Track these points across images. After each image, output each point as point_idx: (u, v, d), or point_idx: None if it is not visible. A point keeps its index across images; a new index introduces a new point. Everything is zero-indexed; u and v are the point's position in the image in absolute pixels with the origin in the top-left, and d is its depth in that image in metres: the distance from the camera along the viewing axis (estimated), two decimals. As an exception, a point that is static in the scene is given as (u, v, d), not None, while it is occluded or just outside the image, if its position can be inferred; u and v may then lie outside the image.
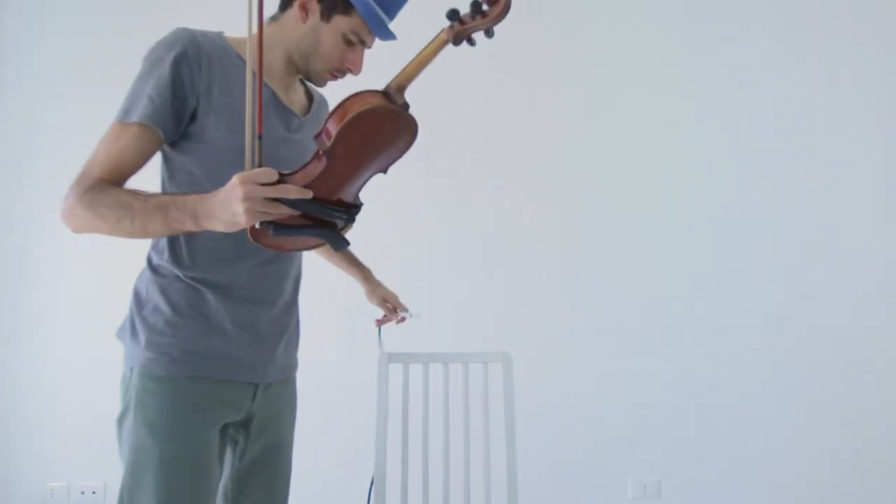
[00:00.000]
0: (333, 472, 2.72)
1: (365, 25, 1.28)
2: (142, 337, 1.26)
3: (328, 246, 1.23)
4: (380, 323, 1.97)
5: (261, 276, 1.34)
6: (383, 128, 1.12)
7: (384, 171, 1.19)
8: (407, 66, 1.13)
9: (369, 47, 1.33)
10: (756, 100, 3.04)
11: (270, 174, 1.05)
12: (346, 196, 1.17)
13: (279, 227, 1.11)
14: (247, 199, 1.04)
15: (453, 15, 1.11)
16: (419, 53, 1.13)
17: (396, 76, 1.13)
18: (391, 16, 1.29)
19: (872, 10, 3.12)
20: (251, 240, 1.15)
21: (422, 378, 2.07)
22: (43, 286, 2.78)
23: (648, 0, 3.06)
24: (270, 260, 1.35)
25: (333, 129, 1.10)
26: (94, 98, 2.86)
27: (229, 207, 1.06)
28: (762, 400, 2.93)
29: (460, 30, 1.12)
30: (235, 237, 1.24)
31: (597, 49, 3.02)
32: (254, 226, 1.10)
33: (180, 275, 1.28)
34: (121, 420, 1.27)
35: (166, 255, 1.28)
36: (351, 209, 1.19)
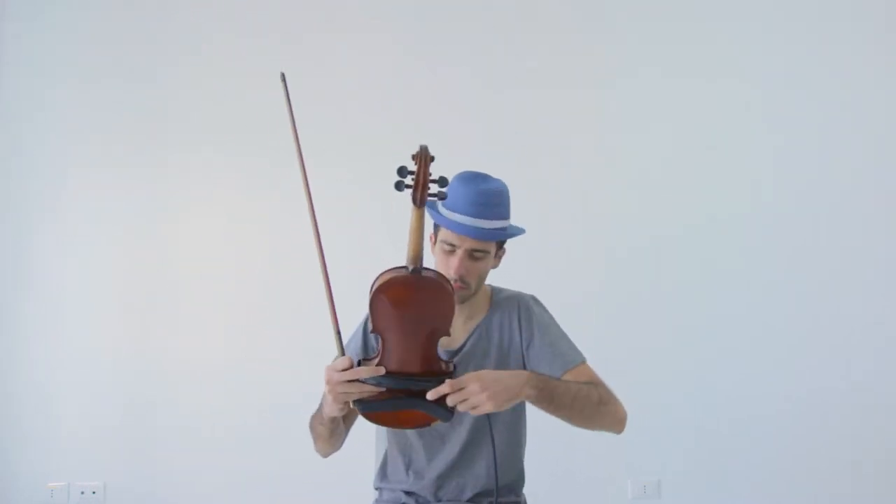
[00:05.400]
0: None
1: (446, 230, 1.46)
2: None
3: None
4: None
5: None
6: (403, 295, 1.25)
7: (445, 332, 1.29)
8: (409, 240, 1.26)
9: (460, 248, 1.46)
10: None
11: (345, 361, 1.25)
12: (414, 365, 1.27)
13: (364, 402, 1.26)
14: (328, 383, 1.27)
15: (399, 185, 1.23)
16: (410, 228, 1.26)
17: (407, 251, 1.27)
18: (461, 210, 1.45)
19: None
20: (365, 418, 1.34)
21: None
22: (42, 286, 2.78)
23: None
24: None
25: (369, 308, 1.26)
26: (94, 98, 2.86)
27: (325, 394, 1.32)
28: (762, 400, 2.92)
29: (413, 195, 1.24)
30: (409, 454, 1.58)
31: (600, 50, 3.03)
32: (357, 408, 1.28)
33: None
34: None
35: None
36: (432, 376, 1.27)
